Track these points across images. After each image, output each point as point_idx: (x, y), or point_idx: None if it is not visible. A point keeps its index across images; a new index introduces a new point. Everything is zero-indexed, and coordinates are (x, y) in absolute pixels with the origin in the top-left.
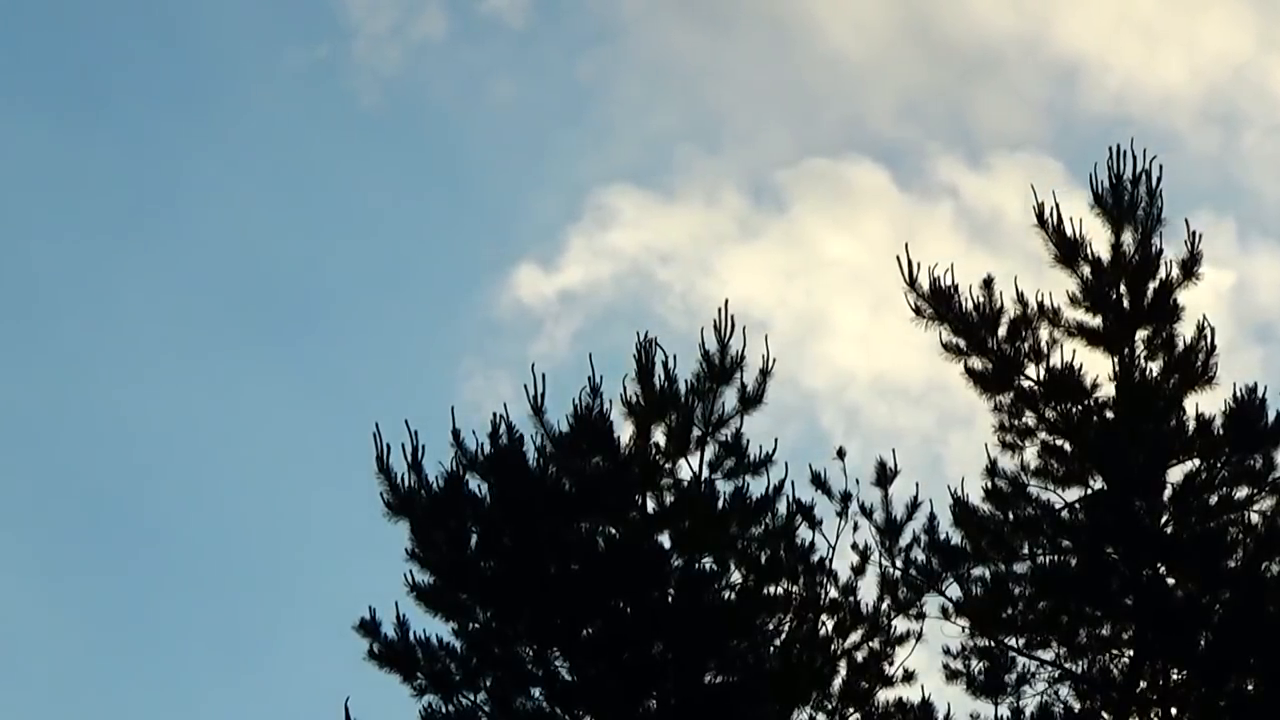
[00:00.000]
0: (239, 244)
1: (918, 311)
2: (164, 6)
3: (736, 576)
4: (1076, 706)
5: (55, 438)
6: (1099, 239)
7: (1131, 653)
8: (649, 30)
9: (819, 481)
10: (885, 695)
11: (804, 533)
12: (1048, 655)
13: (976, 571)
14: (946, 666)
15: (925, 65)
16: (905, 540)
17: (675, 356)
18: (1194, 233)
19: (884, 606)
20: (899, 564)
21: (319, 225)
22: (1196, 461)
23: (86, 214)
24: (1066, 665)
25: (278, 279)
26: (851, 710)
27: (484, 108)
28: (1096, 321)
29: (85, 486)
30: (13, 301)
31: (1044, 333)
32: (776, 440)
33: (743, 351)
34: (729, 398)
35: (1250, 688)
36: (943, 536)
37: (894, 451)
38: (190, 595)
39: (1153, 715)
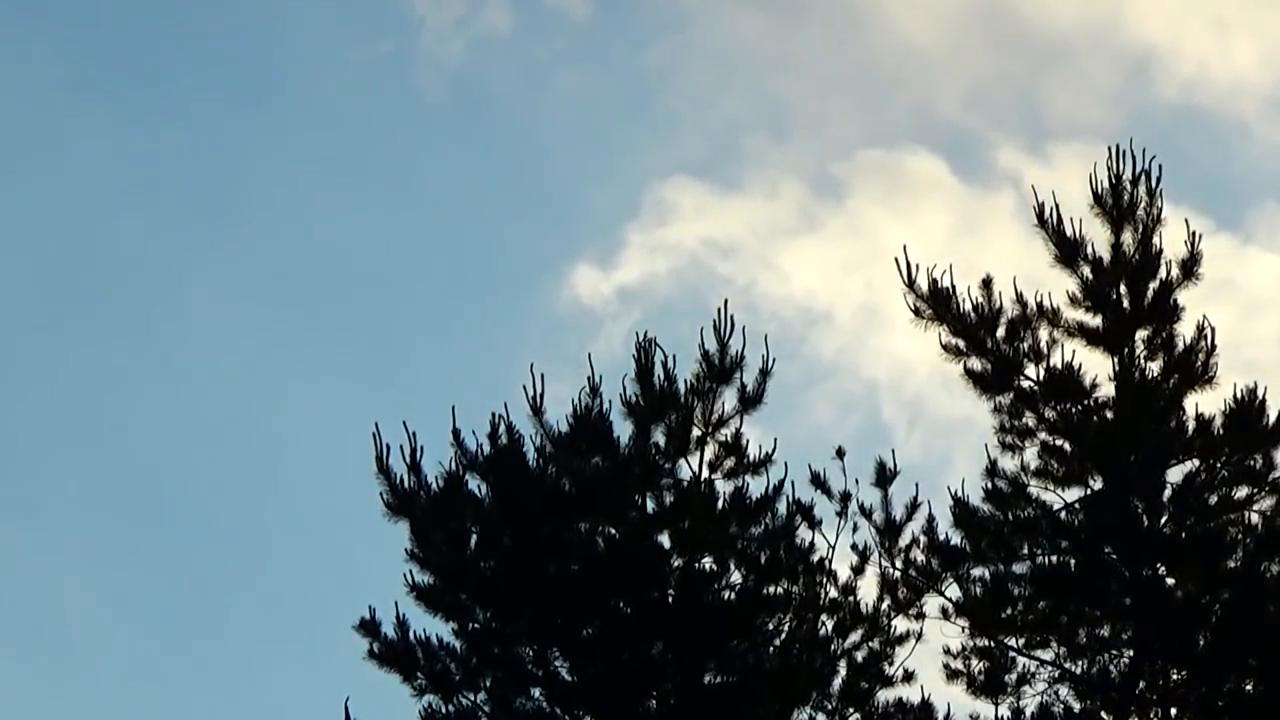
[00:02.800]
0: (303, 237)
1: (917, 313)
2: (234, 2)
3: (736, 576)
4: (1076, 706)
5: (119, 428)
6: (1099, 239)
7: (1131, 653)
8: (715, 19)
9: (818, 481)
10: (885, 695)
11: (804, 533)
12: (1047, 655)
13: (976, 572)
14: (946, 666)
15: (995, 54)
16: (905, 540)
17: (675, 357)
18: (1194, 233)
19: (884, 606)
20: (899, 564)
21: (383, 220)
22: (1196, 461)
23: (156, 206)
24: (1066, 665)
25: (341, 273)
26: (851, 710)
27: (548, 101)
28: (1096, 321)
29: (148, 478)
30: (83, 294)
31: (1043, 333)
32: (776, 441)
33: (743, 351)
34: (729, 398)
35: (1250, 688)
36: (942, 537)
37: (893, 452)
38: (247, 588)
39: (1152, 715)
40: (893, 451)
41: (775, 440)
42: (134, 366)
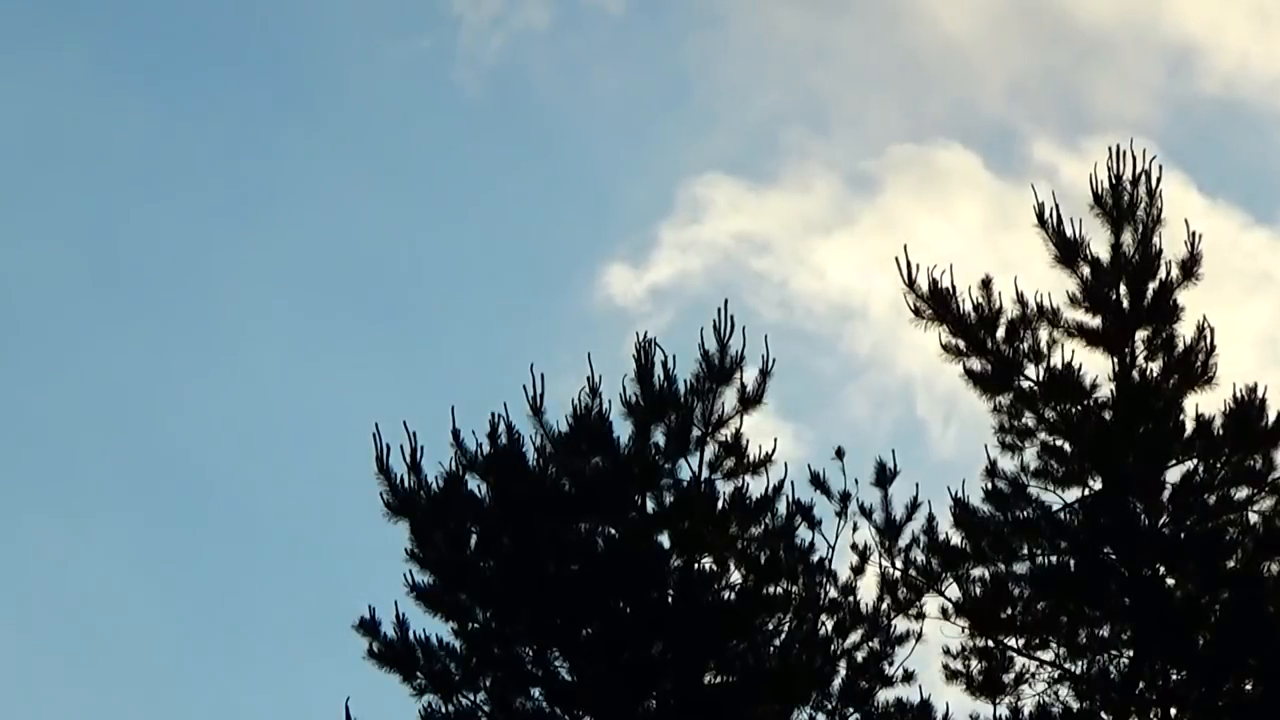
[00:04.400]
0: (339, 233)
1: (917, 312)
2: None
3: (736, 576)
4: (1076, 706)
5: (153, 420)
6: (1099, 239)
7: (1131, 653)
8: (752, 13)
9: (818, 481)
10: (885, 695)
11: (804, 533)
12: (1047, 655)
13: (976, 572)
14: (946, 666)
15: (1035, 48)
16: (905, 540)
17: (674, 356)
18: (1193, 233)
19: (884, 606)
20: (899, 564)
21: (419, 216)
22: (1196, 462)
23: (192, 201)
24: (1066, 665)
25: (374, 269)
26: (851, 710)
27: (585, 97)
28: (1096, 322)
29: (178, 472)
30: (117, 287)
31: (1043, 333)
32: (776, 440)
33: (742, 351)
34: (729, 398)
35: (1250, 688)
36: (942, 537)
37: (893, 452)
38: (278, 582)
39: (1152, 715)
40: (893, 452)
41: (775, 440)
42: (168, 360)
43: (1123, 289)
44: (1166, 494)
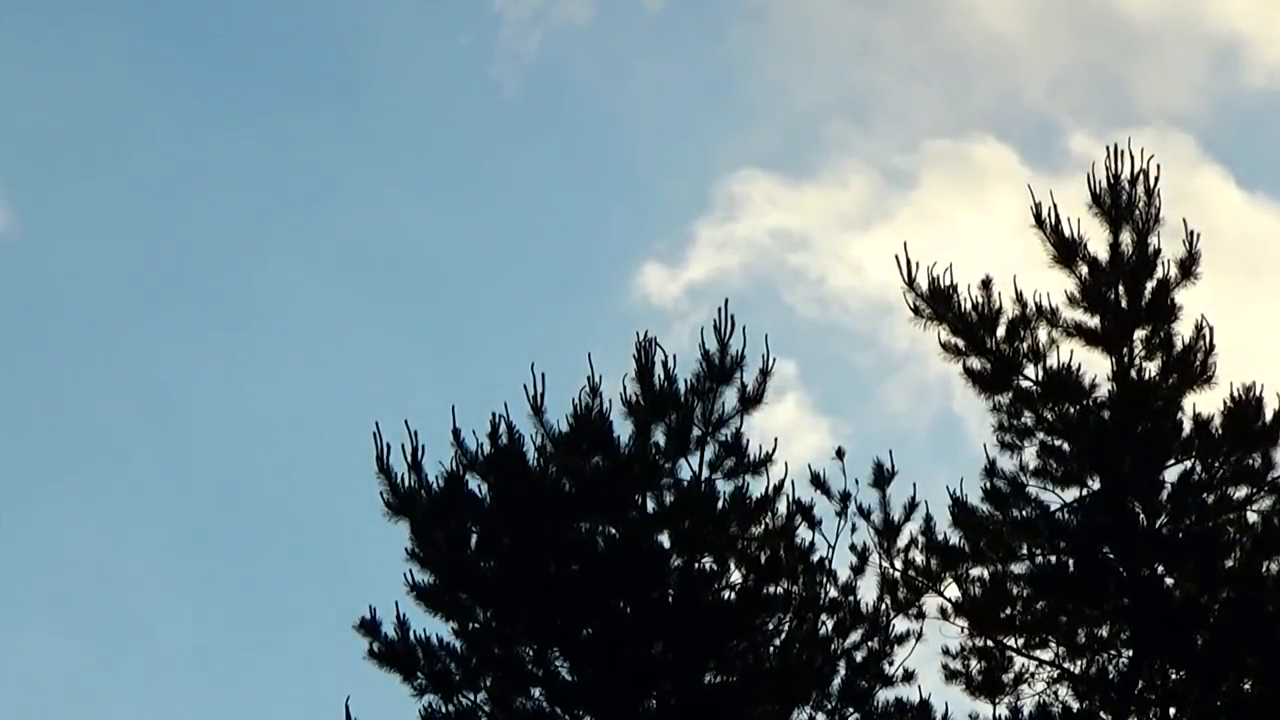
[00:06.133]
0: (377, 229)
1: (916, 311)
2: None
3: (736, 576)
4: (1075, 706)
5: (195, 420)
6: (1097, 239)
7: (1129, 652)
8: (794, 6)
9: (818, 482)
10: (885, 695)
11: (804, 533)
12: (1046, 655)
13: (975, 572)
14: (946, 666)
15: (1078, 42)
16: (904, 540)
17: (675, 356)
18: (1192, 232)
19: (883, 606)
20: (898, 564)
21: (459, 214)
22: (1194, 461)
23: (235, 199)
24: (1065, 665)
25: (415, 267)
26: (851, 710)
27: (626, 93)
28: (1095, 321)
29: (216, 464)
30: (164, 286)
31: (1043, 333)
32: (776, 440)
33: (743, 351)
34: (729, 398)
35: (1248, 687)
36: (941, 537)
37: (891, 452)
38: (312, 580)
39: (1151, 715)
40: (891, 453)
41: (776, 440)
42: (219, 358)
43: (1121, 289)
44: (1165, 493)
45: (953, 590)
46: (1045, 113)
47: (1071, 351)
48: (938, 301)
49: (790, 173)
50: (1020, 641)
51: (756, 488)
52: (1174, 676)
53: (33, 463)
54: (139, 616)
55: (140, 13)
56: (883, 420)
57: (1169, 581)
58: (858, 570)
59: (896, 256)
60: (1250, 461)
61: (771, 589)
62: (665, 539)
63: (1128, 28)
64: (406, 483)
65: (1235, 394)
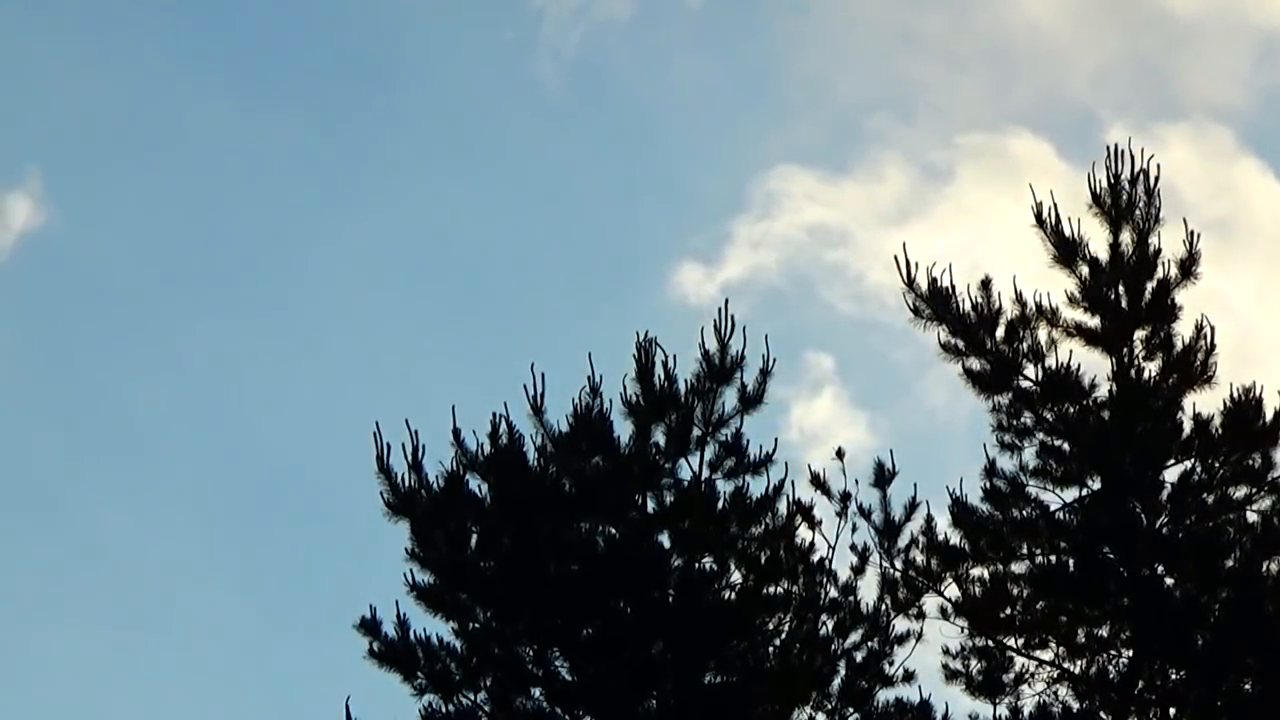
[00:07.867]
0: (421, 224)
1: (916, 311)
2: None
3: (736, 576)
4: (1075, 706)
5: (237, 413)
6: (1097, 238)
7: (1130, 653)
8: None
9: (818, 482)
10: (885, 695)
11: (804, 533)
12: (1046, 655)
13: (975, 572)
14: (946, 666)
15: (1122, 35)
16: (904, 540)
17: (675, 356)
18: (1192, 232)
19: (884, 606)
20: (898, 564)
21: (500, 210)
22: (1194, 461)
23: (278, 193)
24: (1065, 665)
25: (455, 262)
26: (851, 710)
27: (667, 89)
28: (1095, 321)
29: (255, 462)
30: (205, 278)
31: (1042, 333)
32: (776, 440)
33: (743, 351)
34: (729, 398)
35: (1249, 687)
36: (941, 537)
37: (891, 452)
38: (343, 570)
39: (1151, 715)
40: (890, 453)
41: (776, 440)
42: (255, 352)
43: (1121, 289)
44: (1165, 493)
45: (953, 590)
46: (1086, 106)
47: (1071, 352)
48: (937, 302)
49: (828, 168)
50: (1020, 641)
51: (756, 488)
52: (1174, 676)
53: (71, 454)
54: (176, 608)
55: (181, 6)
56: (921, 415)
57: (1169, 581)
58: (858, 570)
59: (895, 257)
60: (1250, 461)
61: (771, 589)
62: (665, 539)
63: (1172, 21)
64: (407, 483)
65: (1235, 394)
